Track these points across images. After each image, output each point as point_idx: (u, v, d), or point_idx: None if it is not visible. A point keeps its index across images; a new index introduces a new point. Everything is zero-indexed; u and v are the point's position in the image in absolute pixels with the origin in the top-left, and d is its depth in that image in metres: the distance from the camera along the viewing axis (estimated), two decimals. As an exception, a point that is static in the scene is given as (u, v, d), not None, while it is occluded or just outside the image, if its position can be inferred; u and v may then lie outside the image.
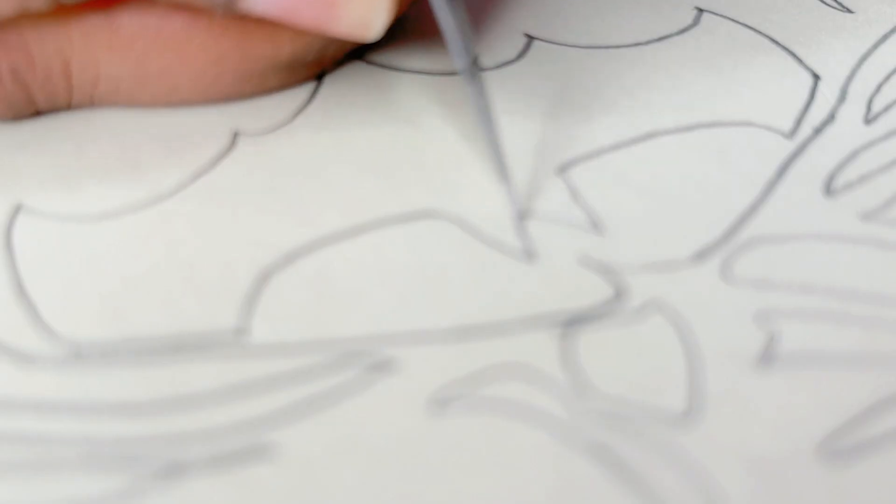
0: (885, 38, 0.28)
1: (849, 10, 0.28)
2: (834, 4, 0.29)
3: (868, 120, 0.26)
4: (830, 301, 0.22)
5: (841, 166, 0.24)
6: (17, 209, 0.23)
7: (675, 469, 0.19)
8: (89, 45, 0.24)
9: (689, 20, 0.28)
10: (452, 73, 0.26)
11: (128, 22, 0.24)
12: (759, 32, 0.28)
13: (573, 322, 0.21)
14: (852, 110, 0.26)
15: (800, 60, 0.27)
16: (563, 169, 0.24)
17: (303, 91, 0.26)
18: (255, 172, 0.24)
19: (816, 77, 0.27)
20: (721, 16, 0.28)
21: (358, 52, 0.27)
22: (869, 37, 0.28)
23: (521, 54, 0.27)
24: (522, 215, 0.23)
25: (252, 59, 0.25)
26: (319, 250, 0.23)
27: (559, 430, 0.20)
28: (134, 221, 0.23)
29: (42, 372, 0.21)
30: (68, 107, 0.25)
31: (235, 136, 0.25)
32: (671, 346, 0.21)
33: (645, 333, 0.21)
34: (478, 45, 0.27)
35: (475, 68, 0.23)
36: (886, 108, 0.26)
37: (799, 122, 0.25)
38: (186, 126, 0.25)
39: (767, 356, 0.21)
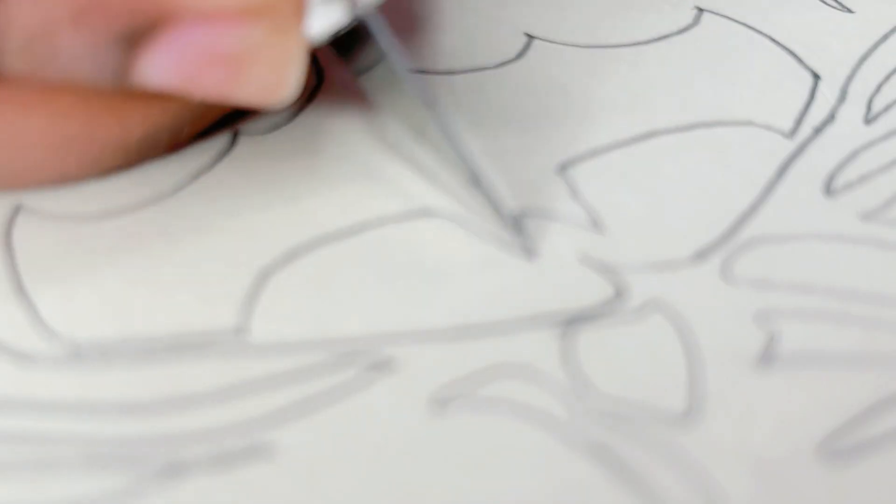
0: (885, 38, 0.28)
1: (849, 10, 0.28)
2: (834, 4, 0.29)
3: (868, 120, 0.26)
4: (830, 301, 0.22)
5: (841, 166, 0.24)
6: (16, 209, 0.23)
7: (675, 469, 0.19)
8: None
9: (689, 20, 0.28)
10: (453, 73, 0.26)
11: None
12: (759, 32, 0.28)
13: (573, 322, 0.21)
14: (852, 110, 0.26)
15: (800, 60, 0.27)
16: (563, 168, 0.24)
17: (303, 90, 0.26)
18: (254, 171, 0.24)
19: (816, 77, 0.27)
20: (721, 16, 0.28)
21: (227, 121, 0.25)
22: (869, 37, 0.28)
23: (521, 54, 0.27)
24: (515, 216, 0.23)
25: (99, 143, 0.22)
26: (319, 249, 0.23)
27: (559, 430, 0.20)
28: (134, 221, 0.23)
29: (42, 372, 0.21)
30: None
31: (235, 136, 0.25)
32: (671, 346, 0.21)
33: (645, 333, 0.21)
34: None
35: (433, 99, 0.23)
36: (886, 108, 0.26)
37: (799, 122, 0.25)
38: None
39: (767, 356, 0.21)
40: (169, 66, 0.20)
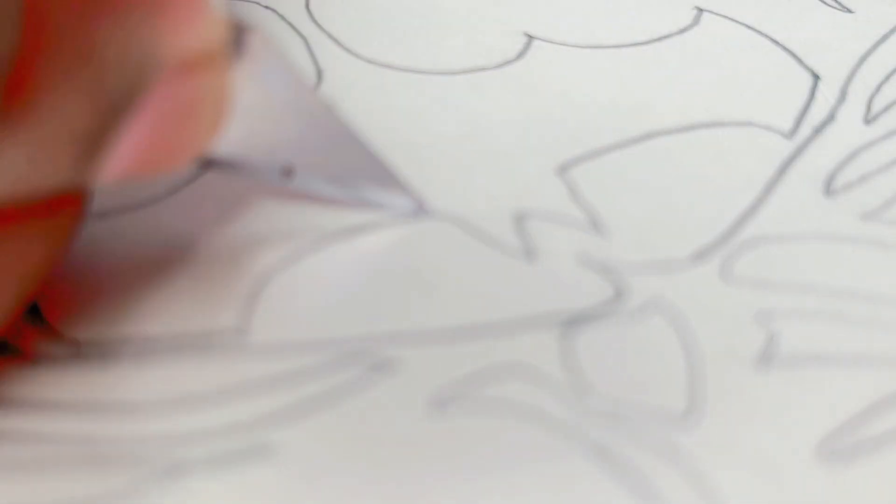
0: (885, 38, 0.28)
1: (849, 10, 0.28)
2: (834, 4, 0.29)
3: (868, 120, 0.26)
4: (830, 301, 0.22)
5: (841, 166, 0.24)
6: (17, 209, 0.23)
7: (675, 469, 0.19)
8: None
9: (689, 20, 0.28)
10: (450, 73, 0.26)
11: None
12: (759, 32, 0.28)
13: (573, 322, 0.21)
14: (852, 110, 0.26)
15: (800, 60, 0.27)
16: (563, 169, 0.24)
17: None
18: (255, 172, 0.24)
19: (816, 77, 0.27)
20: (721, 16, 0.28)
21: None
22: (869, 37, 0.28)
23: (521, 54, 0.27)
24: (420, 210, 0.23)
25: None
26: (319, 250, 0.23)
27: (559, 430, 0.20)
28: (134, 221, 0.23)
29: (42, 372, 0.21)
30: None
31: (235, 136, 0.25)
32: (671, 346, 0.21)
33: (645, 333, 0.21)
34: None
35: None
36: (886, 108, 0.26)
37: (799, 122, 0.25)
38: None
39: (767, 356, 0.21)
40: (141, 137, 0.19)
